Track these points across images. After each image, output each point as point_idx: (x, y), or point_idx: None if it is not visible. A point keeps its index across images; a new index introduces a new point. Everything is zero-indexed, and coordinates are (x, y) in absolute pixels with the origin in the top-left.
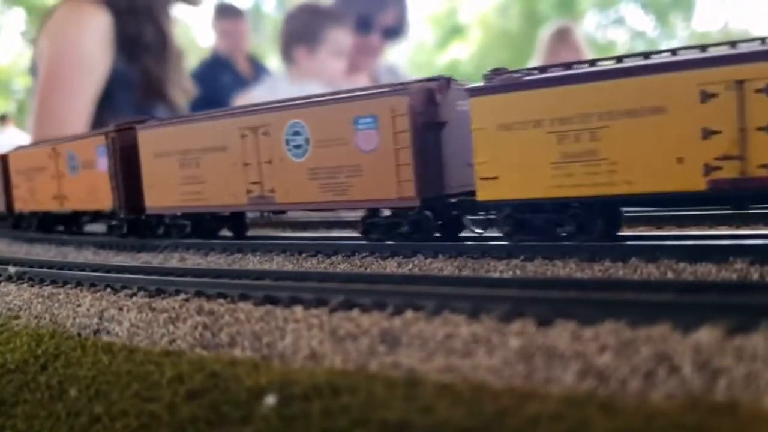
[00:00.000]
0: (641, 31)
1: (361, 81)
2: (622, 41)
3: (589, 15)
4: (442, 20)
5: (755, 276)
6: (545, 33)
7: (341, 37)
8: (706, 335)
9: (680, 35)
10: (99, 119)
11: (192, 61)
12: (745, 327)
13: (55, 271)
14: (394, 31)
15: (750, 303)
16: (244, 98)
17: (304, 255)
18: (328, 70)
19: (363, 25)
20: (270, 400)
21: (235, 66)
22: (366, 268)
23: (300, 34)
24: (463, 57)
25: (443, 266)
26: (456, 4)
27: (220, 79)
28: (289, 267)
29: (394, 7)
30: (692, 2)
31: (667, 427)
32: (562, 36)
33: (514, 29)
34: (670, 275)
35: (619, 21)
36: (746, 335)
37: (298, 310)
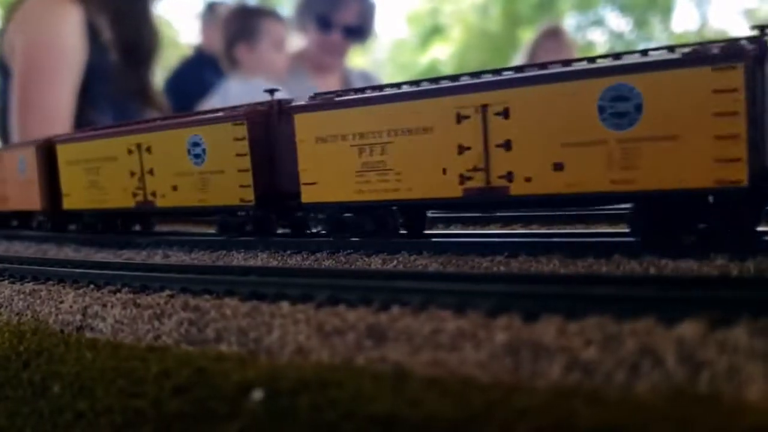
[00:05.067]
0: (620, 33)
1: (331, 82)
2: (601, 42)
3: (569, 16)
4: (422, 20)
5: (735, 271)
6: (536, 32)
7: (279, 30)
8: (689, 329)
9: (658, 36)
10: (80, 114)
11: (173, 57)
12: (727, 320)
13: (36, 267)
14: (357, 30)
15: (731, 297)
16: (206, 105)
17: (288, 252)
18: (270, 62)
19: (322, 24)
20: (257, 394)
21: (219, 64)
22: (351, 265)
23: (239, 32)
24: (443, 57)
25: (428, 263)
26: (437, 4)
27: (203, 76)
28: (273, 263)
29: (354, 6)
30: (670, 4)
31: (651, 419)
32: (554, 35)
33: (494, 30)
34: (652, 270)
35: (598, 22)
36: (728, 328)
37: (285, 305)
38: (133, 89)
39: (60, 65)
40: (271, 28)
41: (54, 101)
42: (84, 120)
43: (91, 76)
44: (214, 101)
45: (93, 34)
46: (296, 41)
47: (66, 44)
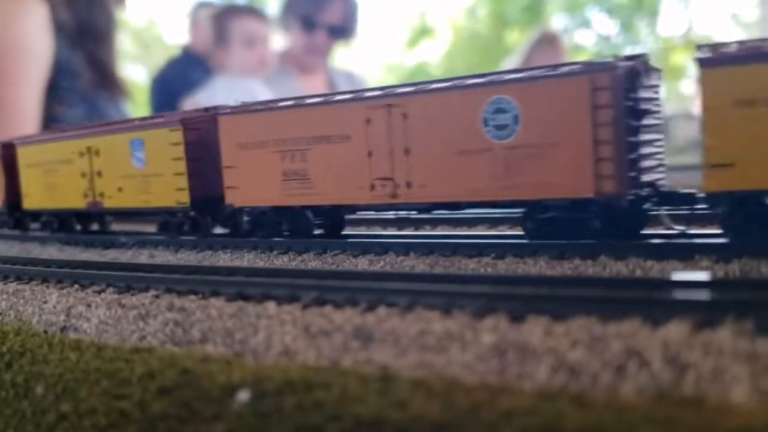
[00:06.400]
0: (607, 36)
1: (316, 83)
2: (589, 45)
3: (556, 18)
4: (411, 22)
5: (720, 273)
6: (531, 37)
7: (249, 26)
8: (674, 330)
9: (645, 40)
10: (48, 111)
11: (158, 57)
12: (712, 322)
13: (20, 267)
14: (341, 30)
15: (716, 299)
16: (192, 103)
17: (275, 252)
18: (242, 59)
19: (306, 24)
20: (243, 396)
21: (207, 63)
22: (338, 265)
23: (215, 36)
24: (432, 59)
25: (415, 264)
26: (425, 6)
27: (190, 76)
28: (260, 264)
29: (337, 6)
30: (656, 8)
31: (637, 421)
32: (550, 41)
33: (482, 31)
34: (638, 272)
35: (586, 24)
36: (713, 330)
37: (271, 306)
38: (94, 75)
39: (26, 63)
40: (239, 26)
41: (22, 100)
42: (53, 117)
43: (59, 73)
44: (200, 98)
45: (59, 29)
46: (281, 41)
47: (31, 42)
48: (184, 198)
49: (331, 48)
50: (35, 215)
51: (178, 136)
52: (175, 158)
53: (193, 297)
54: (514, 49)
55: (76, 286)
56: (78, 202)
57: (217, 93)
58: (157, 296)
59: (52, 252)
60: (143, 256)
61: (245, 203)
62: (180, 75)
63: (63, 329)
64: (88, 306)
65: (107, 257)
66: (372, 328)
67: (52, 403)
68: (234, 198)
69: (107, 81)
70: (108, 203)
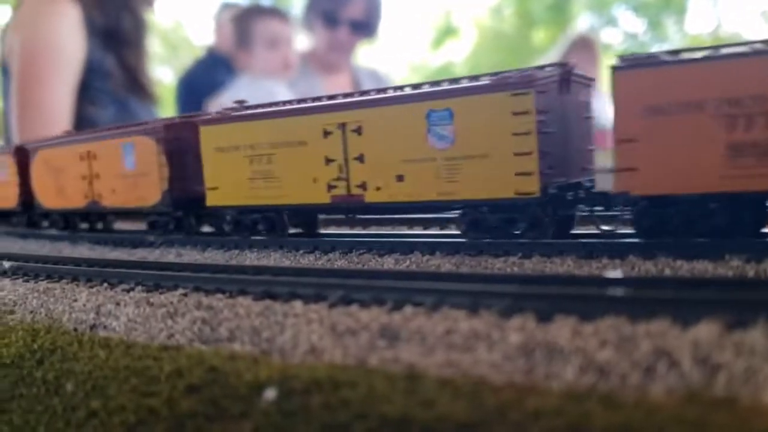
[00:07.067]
0: (633, 34)
1: (341, 82)
2: (616, 43)
3: (582, 17)
4: (436, 21)
5: (751, 273)
6: (565, 41)
7: (272, 27)
8: (705, 330)
9: (672, 38)
10: (80, 112)
11: (185, 58)
12: (744, 322)
13: (50, 266)
14: (364, 26)
15: (747, 299)
16: (216, 104)
17: (301, 251)
18: (265, 61)
19: (328, 20)
20: (270, 394)
21: (232, 65)
22: (364, 265)
23: (237, 39)
24: (457, 59)
25: (441, 263)
26: (450, 5)
27: (215, 76)
28: (286, 263)
29: (360, 1)
30: (684, 5)
31: (667, 421)
32: (588, 45)
33: (508, 30)
34: (667, 272)
35: (612, 23)
36: (745, 331)
37: (298, 305)
38: (125, 78)
39: (57, 64)
40: (262, 27)
41: (52, 100)
42: (85, 117)
43: (91, 73)
44: (225, 99)
45: (92, 31)
46: (305, 41)
47: (63, 43)
48: (530, 186)
49: (355, 44)
50: (215, 214)
51: (525, 102)
52: (517, 133)
53: (220, 295)
54: (541, 49)
55: (106, 284)
56: (314, 197)
57: (240, 94)
58: (185, 295)
59: (82, 251)
60: (171, 255)
61: (651, 190)
62: (205, 76)
63: (92, 327)
64: (117, 304)
65: (136, 256)
66: (398, 327)
67: (81, 400)
68: (631, 183)
69: (136, 85)
70: (371, 197)
